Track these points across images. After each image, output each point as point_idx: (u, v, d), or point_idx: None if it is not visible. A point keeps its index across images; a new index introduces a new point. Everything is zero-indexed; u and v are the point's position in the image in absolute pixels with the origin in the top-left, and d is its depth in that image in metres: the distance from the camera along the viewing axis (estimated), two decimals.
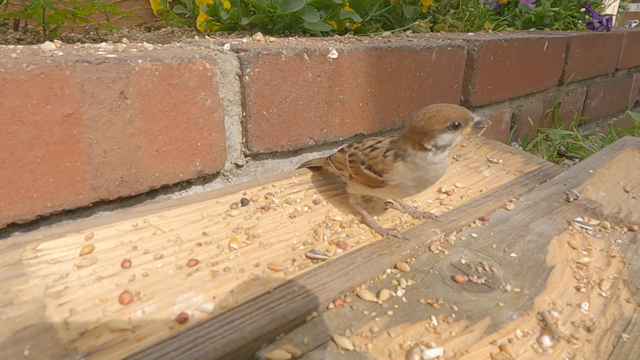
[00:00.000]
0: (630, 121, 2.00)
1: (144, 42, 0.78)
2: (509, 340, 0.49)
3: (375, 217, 0.72)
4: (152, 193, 0.74)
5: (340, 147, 0.79)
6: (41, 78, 0.57)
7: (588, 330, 0.51)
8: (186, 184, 0.78)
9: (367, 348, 0.47)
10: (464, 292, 0.56)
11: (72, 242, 0.57)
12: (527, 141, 1.56)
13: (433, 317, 0.51)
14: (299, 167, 0.88)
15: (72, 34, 1.24)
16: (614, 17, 2.50)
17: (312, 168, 0.85)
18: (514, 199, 0.85)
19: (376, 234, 0.67)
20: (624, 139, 1.28)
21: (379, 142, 0.68)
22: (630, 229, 0.75)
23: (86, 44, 0.74)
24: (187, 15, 1.51)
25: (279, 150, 0.87)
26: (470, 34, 1.44)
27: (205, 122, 0.74)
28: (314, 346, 0.47)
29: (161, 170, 0.72)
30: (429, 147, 0.60)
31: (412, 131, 0.60)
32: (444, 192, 0.84)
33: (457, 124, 0.59)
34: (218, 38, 0.99)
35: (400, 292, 0.56)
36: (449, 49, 1.13)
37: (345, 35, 1.17)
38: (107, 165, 0.65)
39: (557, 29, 2.00)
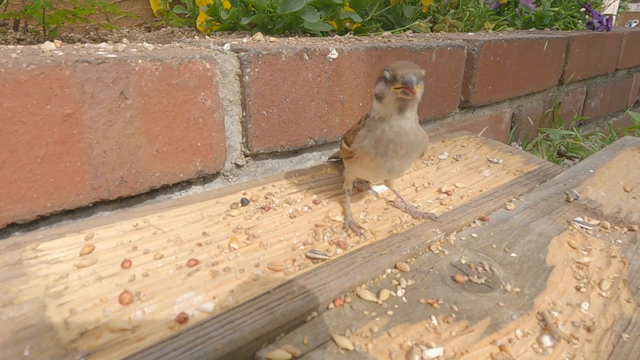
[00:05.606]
0: (630, 121, 2.00)
1: (144, 42, 0.78)
2: (509, 340, 0.49)
3: (375, 217, 0.72)
4: (152, 193, 0.74)
5: None
6: (41, 78, 0.57)
7: (588, 330, 0.51)
8: (186, 184, 0.78)
9: (367, 348, 0.47)
10: (464, 292, 0.56)
11: (72, 242, 0.57)
12: (527, 141, 1.56)
13: (433, 317, 0.51)
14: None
15: (72, 34, 1.24)
16: (614, 17, 2.50)
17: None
18: (514, 199, 0.85)
19: (376, 234, 0.67)
20: (624, 139, 1.28)
21: None
22: (630, 229, 0.75)
23: (86, 44, 0.74)
24: (187, 15, 1.51)
25: (279, 150, 0.87)
26: (470, 34, 1.44)
27: (205, 122, 0.74)
28: (314, 346, 0.47)
29: (161, 170, 0.72)
30: (375, 93, 0.59)
31: None
32: (444, 192, 0.84)
33: (387, 75, 0.55)
34: (218, 38, 0.99)
35: (400, 292, 0.55)
36: (449, 49, 1.13)
37: (345, 35, 1.17)
38: (107, 165, 0.65)
39: (557, 29, 2.00)
